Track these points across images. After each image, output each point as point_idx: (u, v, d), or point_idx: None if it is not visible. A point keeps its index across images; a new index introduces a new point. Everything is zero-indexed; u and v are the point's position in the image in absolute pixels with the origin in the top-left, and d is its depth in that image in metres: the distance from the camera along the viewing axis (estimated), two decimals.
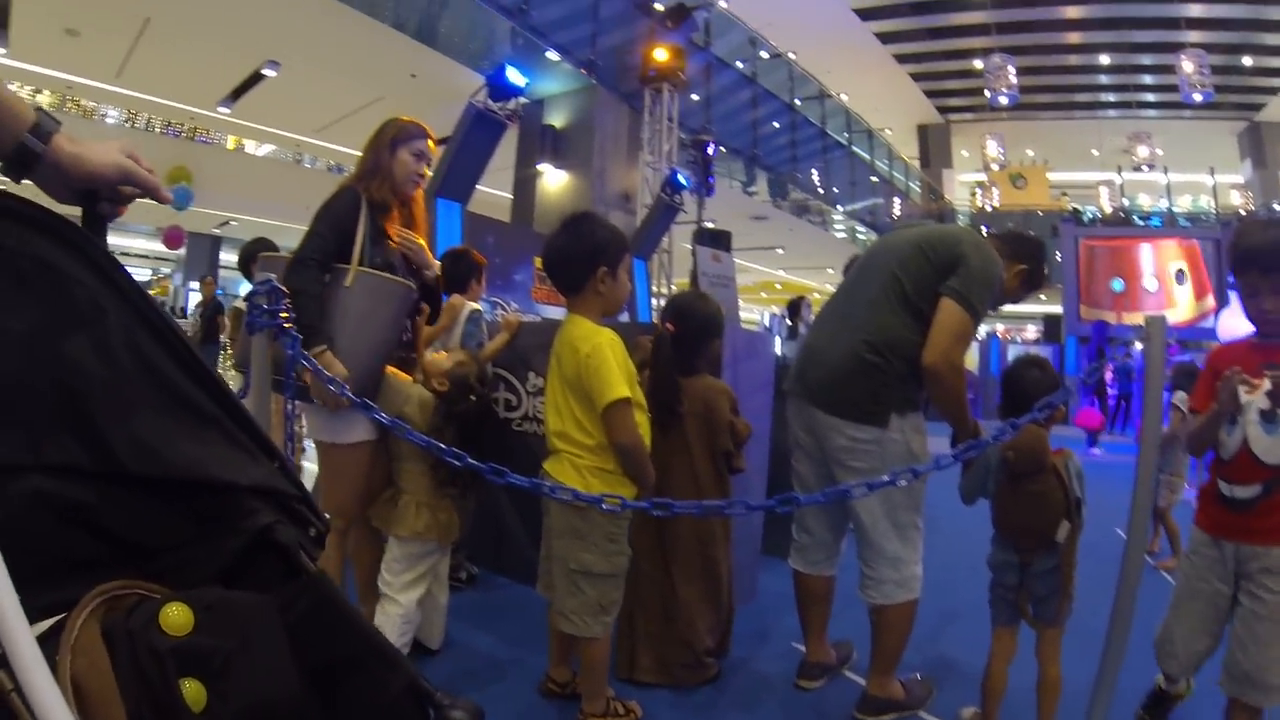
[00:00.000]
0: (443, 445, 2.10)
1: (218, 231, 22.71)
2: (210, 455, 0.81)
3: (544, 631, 2.55)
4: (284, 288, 2.09)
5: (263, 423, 2.08)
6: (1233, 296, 10.92)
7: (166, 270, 26.05)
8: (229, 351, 10.99)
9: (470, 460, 2.03)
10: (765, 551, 3.79)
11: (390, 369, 2.56)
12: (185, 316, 15.27)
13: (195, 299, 22.89)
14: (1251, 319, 2.04)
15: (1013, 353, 18.66)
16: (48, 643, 0.62)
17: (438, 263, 2.85)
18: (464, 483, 2.53)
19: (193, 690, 0.65)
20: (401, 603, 2.52)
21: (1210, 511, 2.06)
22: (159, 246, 20.96)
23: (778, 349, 5.31)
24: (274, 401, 2.42)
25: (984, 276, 2.30)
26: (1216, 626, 2.05)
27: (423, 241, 2.71)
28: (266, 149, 19.22)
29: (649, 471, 2.19)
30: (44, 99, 15.87)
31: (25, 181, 0.88)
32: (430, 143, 2.65)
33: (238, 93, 13.67)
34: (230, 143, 18.56)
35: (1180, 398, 4.52)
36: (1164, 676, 2.36)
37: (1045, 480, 2.17)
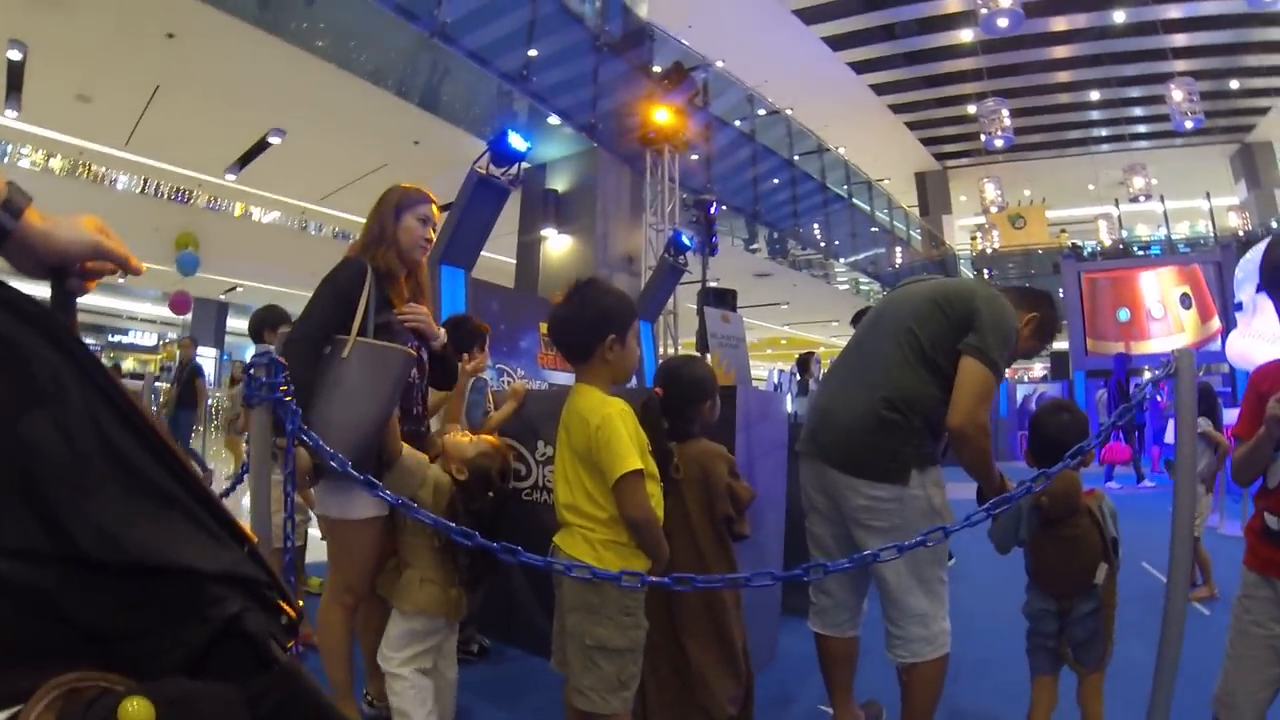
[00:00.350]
0: (452, 525, 2.06)
1: (224, 297, 22.94)
2: (174, 540, 0.76)
3: (559, 705, 2.45)
4: (280, 360, 2.05)
5: (264, 498, 2.08)
6: (1239, 318, 10.82)
7: (173, 335, 26.19)
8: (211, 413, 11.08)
9: (480, 539, 2.00)
10: (785, 612, 3.72)
11: (407, 447, 2.48)
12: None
13: (202, 364, 23.18)
14: None
15: (1021, 392, 18.70)
16: None
17: (443, 331, 2.80)
18: (476, 574, 2.47)
19: None
20: (406, 675, 2.43)
21: (1260, 550, 1.93)
22: (165, 311, 21.12)
23: (789, 406, 5.28)
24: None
25: (1001, 331, 2.28)
26: (1273, 672, 1.90)
27: (428, 311, 2.67)
28: (272, 216, 19.41)
29: (663, 545, 2.13)
30: (56, 164, 16.15)
31: None
32: (434, 208, 2.63)
33: (244, 160, 13.87)
34: (237, 210, 18.76)
35: (1202, 423, 4.50)
36: None
37: (1080, 523, 2.14)
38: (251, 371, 2.01)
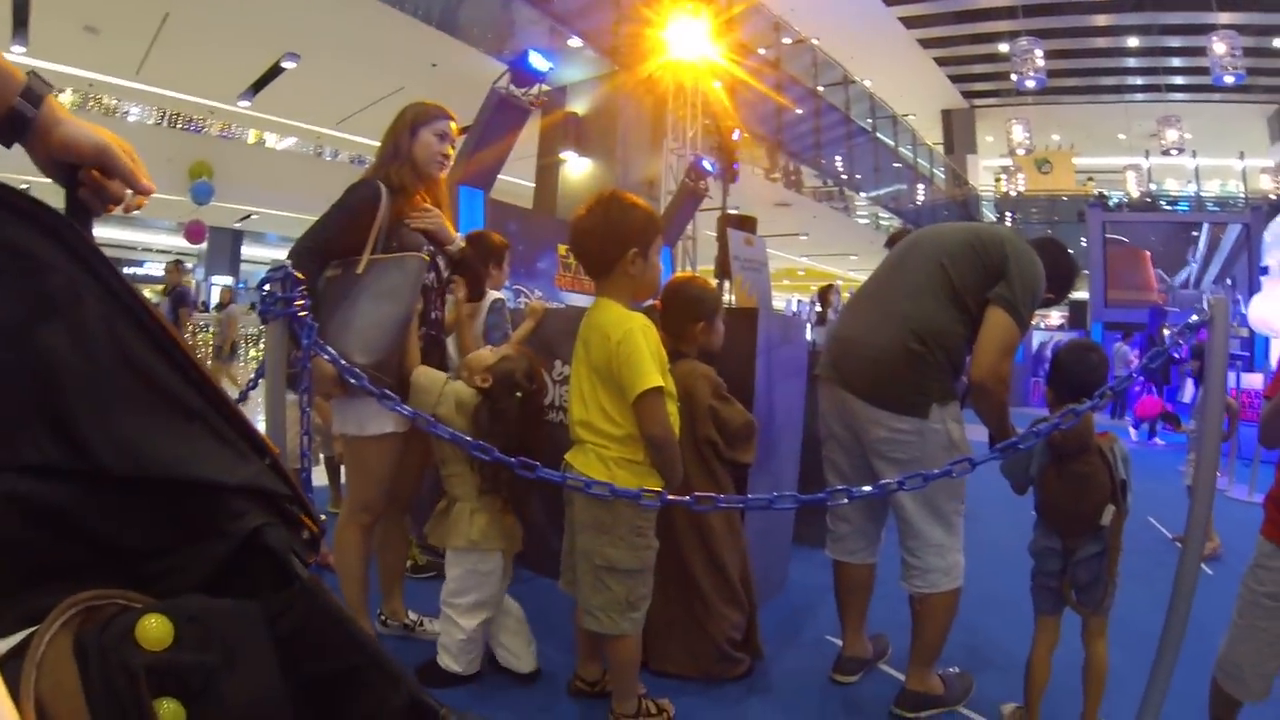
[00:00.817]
0: (469, 439, 1.99)
1: (239, 226, 22.93)
2: (195, 453, 0.75)
3: (571, 627, 2.46)
4: (295, 274, 1.99)
5: (278, 416, 2.03)
6: (1264, 282, 10.57)
7: (190, 264, 26.27)
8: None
9: (498, 454, 1.95)
10: (796, 541, 3.70)
11: (422, 366, 2.45)
12: (207, 310, 15.32)
13: (216, 293, 23.26)
14: None
15: (1037, 339, 18.51)
16: (14, 660, 0.56)
17: (460, 237, 2.72)
18: (509, 489, 2.40)
19: (170, 711, 0.59)
20: (464, 627, 2.38)
21: (1278, 519, 1.85)
22: (181, 241, 21.14)
23: (807, 334, 5.20)
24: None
25: (1031, 284, 2.27)
26: None
27: (443, 215, 2.61)
28: (288, 142, 19.29)
29: (679, 465, 2.09)
30: (67, 98, 16.05)
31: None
32: (453, 125, 2.56)
33: (258, 86, 13.75)
34: (251, 137, 18.64)
35: None
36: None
37: (1090, 461, 2.09)
38: (267, 286, 1.95)
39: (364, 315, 2.29)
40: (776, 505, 1.99)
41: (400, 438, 2.45)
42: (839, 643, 2.74)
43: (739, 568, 2.63)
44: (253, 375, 2.62)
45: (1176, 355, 10.39)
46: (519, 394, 2.36)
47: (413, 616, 2.82)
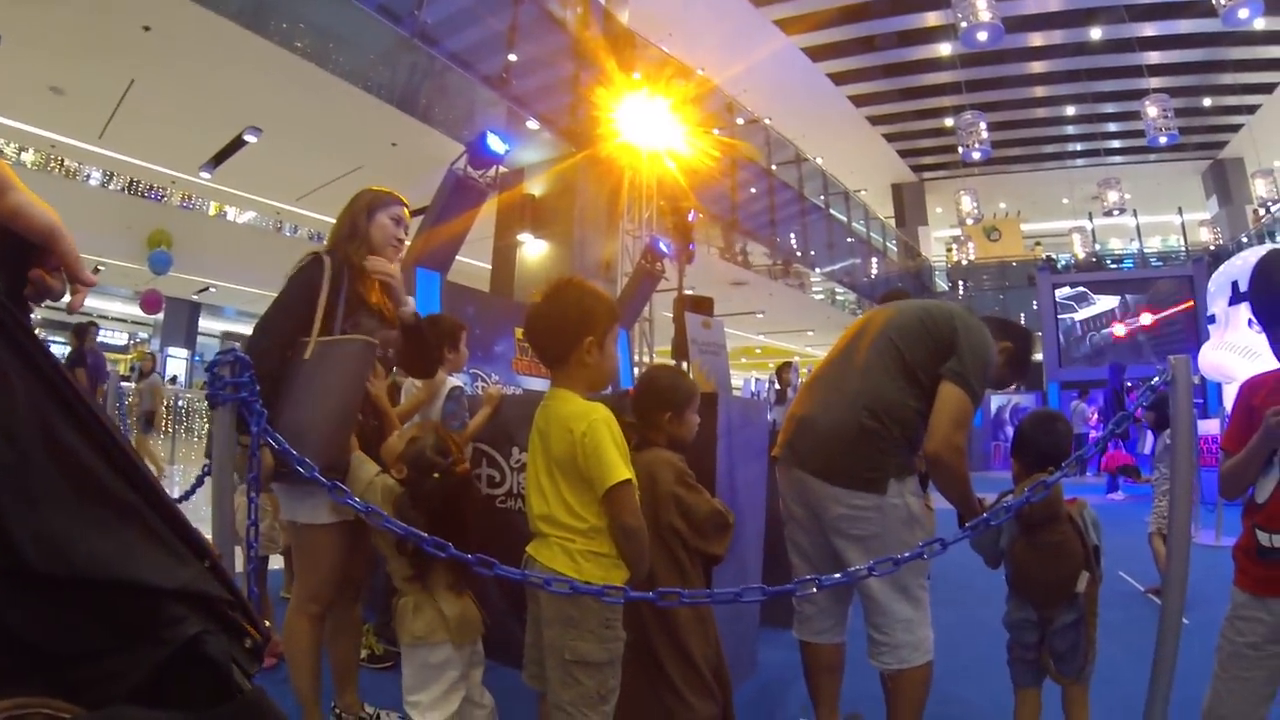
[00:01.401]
0: (424, 535, 1.95)
1: (196, 298, 22.65)
2: (129, 553, 0.71)
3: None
4: (246, 357, 1.96)
5: (226, 504, 1.98)
6: (1212, 331, 10.98)
7: (144, 335, 25.84)
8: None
9: (454, 551, 1.91)
10: (763, 623, 3.69)
11: (358, 452, 2.40)
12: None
13: (173, 365, 22.83)
14: None
15: (995, 402, 18.86)
16: None
17: (412, 301, 2.70)
18: (456, 574, 2.30)
19: None
20: (433, 716, 2.25)
21: (1250, 569, 1.90)
22: (137, 310, 20.85)
23: (768, 415, 5.25)
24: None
25: (981, 356, 2.31)
26: (1273, 688, 1.89)
27: (396, 270, 2.61)
28: (248, 216, 19.21)
29: (647, 556, 2.07)
30: (29, 157, 15.92)
31: None
32: (405, 211, 2.61)
33: (219, 158, 13.65)
34: (212, 209, 18.55)
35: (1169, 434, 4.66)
36: None
37: (1061, 530, 2.14)
38: (215, 370, 1.91)
39: (312, 410, 2.27)
40: (744, 598, 1.96)
41: (347, 525, 2.42)
42: None
43: (710, 658, 2.53)
44: (205, 464, 2.53)
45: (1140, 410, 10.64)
46: (435, 474, 2.28)
47: (369, 709, 2.73)
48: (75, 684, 0.68)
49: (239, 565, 2.09)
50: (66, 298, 0.89)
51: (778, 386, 8.25)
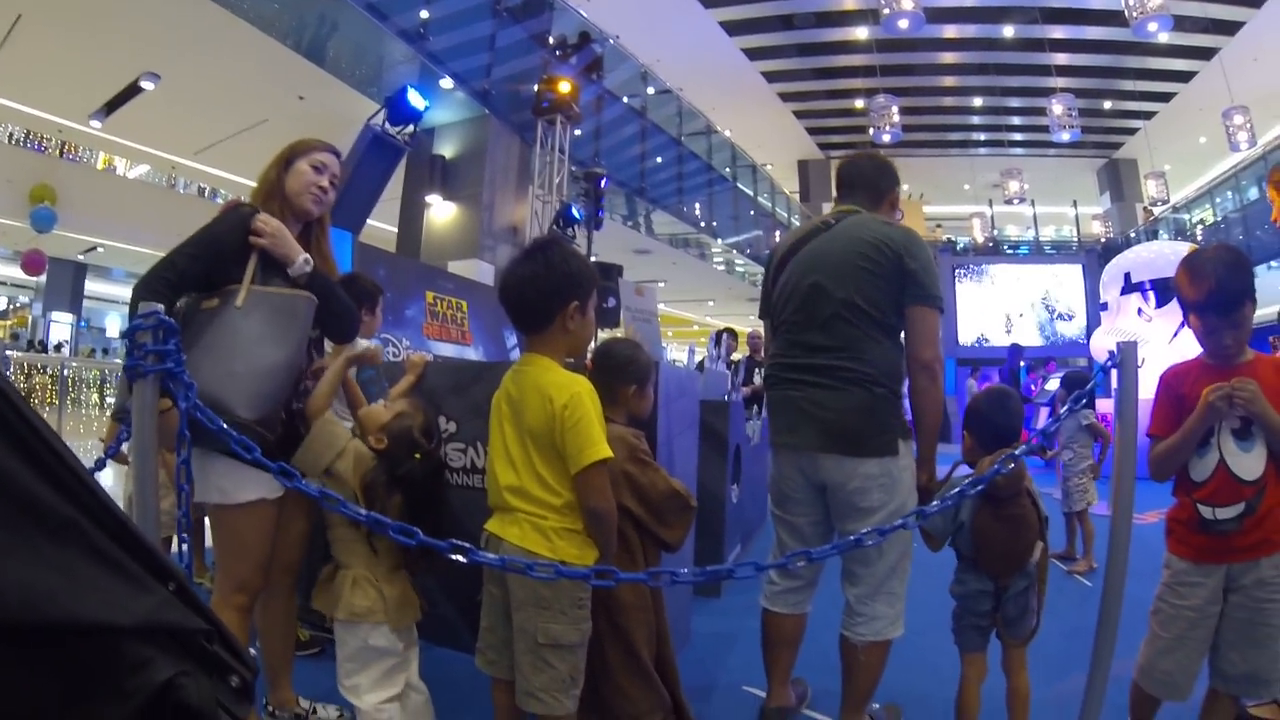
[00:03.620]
0: (389, 521, 1.77)
1: (82, 258, 21.41)
2: (72, 585, 0.54)
3: (479, 704, 2.23)
4: (172, 320, 1.72)
5: (148, 486, 1.74)
6: (1103, 317, 11.74)
7: (25, 299, 24.20)
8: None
9: (424, 538, 1.75)
10: (695, 593, 3.71)
11: (328, 416, 2.19)
12: (45, 350, 14.05)
13: (57, 331, 21.55)
14: (1210, 352, 2.08)
15: None
16: None
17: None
18: (417, 564, 2.17)
19: None
20: (366, 706, 2.07)
21: (1190, 540, 2.06)
22: (17, 272, 19.56)
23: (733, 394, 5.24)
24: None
25: (931, 265, 2.35)
26: (1207, 645, 2.06)
27: (323, 256, 2.39)
28: (140, 170, 18.03)
29: (615, 539, 1.99)
30: None
31: None
32: (333, 158, 2.37)
33: (111, 105, 12.64)
34: (100, 162, 17.42)
35: (1088, 414, 4.95)
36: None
37: (1022, 503, 2.22)
38: (135, 336, 1.68)
39: (247, 361, 2.04)
40: (739, 574, 1.84)
41: (275, 504, 2.19)
42: (757, 692, 2.71)
43: (654, 647, 2.34)
44: (115, 439, 2.34)
45: (1034, 389, 11.34)
46: (418, 455, 2.13)
47: (304, 704, 2.53)
48: None
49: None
50: None
51: (756, 359, 7.35)
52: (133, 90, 11.87)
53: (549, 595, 1.91)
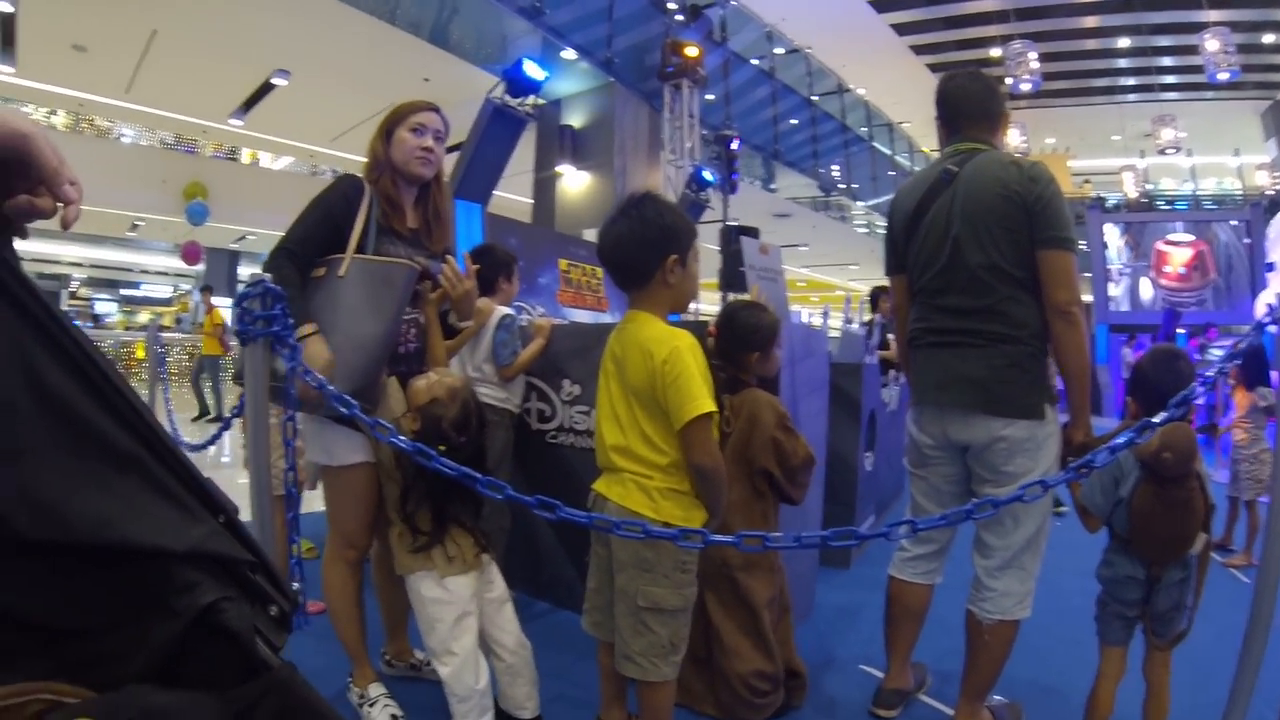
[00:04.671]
0: (478, 475, 1.75)
1: (235, 246, 22.80)
2: (129, 512, 0.60)
3: (593, 665, 2.25)
4: (278, 288, 1.79)
5: (261, 446, 1.83)
6: (1270, 278, 10.61)
7: (186, 286, 26.11)
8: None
9: (512, 493, 1.73)
10: (822, 564, 3.57)
11: (393, 379, 2.26)
12: None
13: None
14: None
15: None
16: None
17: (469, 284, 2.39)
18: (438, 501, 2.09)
19: None
20: (445, 669, 2.08)
21: None
22: (178, 263, 21.02)
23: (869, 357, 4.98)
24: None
25: (1058, 206, 2.14)
26: None
27: (446, 227, 2.43)
28: (283, 162, 19.18)
29: (725, 497, 1.93)
30: (60, 120, 16.01)
31: None
32: (435, 115, 2.34)
33: (248, 104, 13.54)
34: (246, 157, 18.56)
35: (1266, 394, 4.36)
36: None
37: (1190, 485, 1.95)
38: (244, 304, 1.76)
39: (346, 333, 2.10)
40: (834, 543, 1.69)
41: (373, 467, 2.27)
42: (875, 672, 2.60)
43: (766, 603, 2.40)
44: (235, 408, 2.44)
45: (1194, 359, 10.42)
46: (443, 448, 1.95)
47: (419, 655, 2.64)
48: (83, 661, 0.59)
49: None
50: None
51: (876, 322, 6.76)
52: (266, 88, 12.56)
53: (651, 557, 1.88)
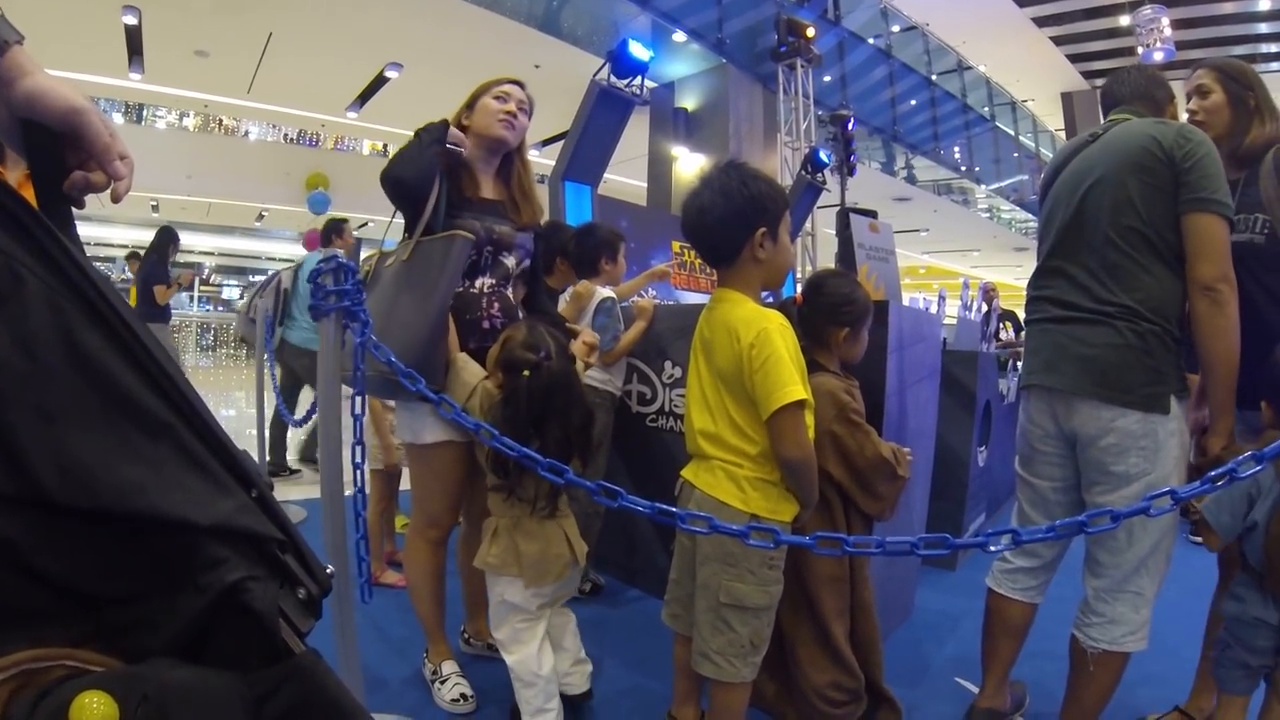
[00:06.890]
0: (539, 456, 1.67)
1: (357, 234, 23.75)
2: (158, 480, 0.59)
3: (655, 653, 2.16)
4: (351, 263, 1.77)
5: (333, 419, 1.83)
6: None
7: None
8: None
9: (573, 477, 1.64)
10: (925, 562, 3.38)
11: (462, 354, 2.18)
12: None
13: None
14: None
15: None
16: None
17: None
18: (515, 485, 2.02)
19: None
20: (510, 661, 2.08)
21: None
22: (301, 250, 21.98)
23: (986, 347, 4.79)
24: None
25: (1211, 167, 1.82)
26: None
27: (530, 188, 2.42)
28: None
29: (816, 490, 1.80)
30: (190, 121, 17.03)
31: None
32: (516, 87, 2.34)
33: (364, 97, 14.12)
34: (367, 148, 19.27)
35: None
36: None
37: None
38: (318, 279, 1.74)
39: (397, 314, 2.09)
40: (922, 553, 1.51)
41: (464, 447, 2.25)
42: (970, 686, 2.40)
43: (849, 622, 2.16)
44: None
45: None
46: (525, 371, 1.95)
47: None
48: (115, 626, 0.59)
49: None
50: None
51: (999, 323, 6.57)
52: (380, 81, 13.07)
53: (738, 552, 1.76)
